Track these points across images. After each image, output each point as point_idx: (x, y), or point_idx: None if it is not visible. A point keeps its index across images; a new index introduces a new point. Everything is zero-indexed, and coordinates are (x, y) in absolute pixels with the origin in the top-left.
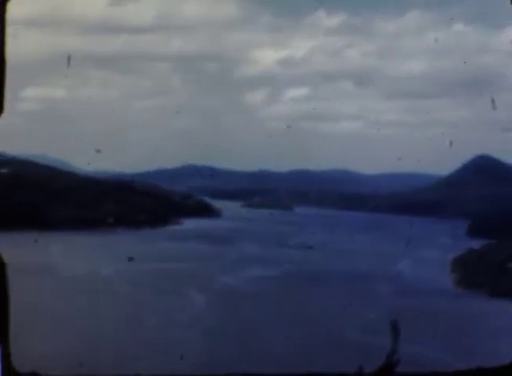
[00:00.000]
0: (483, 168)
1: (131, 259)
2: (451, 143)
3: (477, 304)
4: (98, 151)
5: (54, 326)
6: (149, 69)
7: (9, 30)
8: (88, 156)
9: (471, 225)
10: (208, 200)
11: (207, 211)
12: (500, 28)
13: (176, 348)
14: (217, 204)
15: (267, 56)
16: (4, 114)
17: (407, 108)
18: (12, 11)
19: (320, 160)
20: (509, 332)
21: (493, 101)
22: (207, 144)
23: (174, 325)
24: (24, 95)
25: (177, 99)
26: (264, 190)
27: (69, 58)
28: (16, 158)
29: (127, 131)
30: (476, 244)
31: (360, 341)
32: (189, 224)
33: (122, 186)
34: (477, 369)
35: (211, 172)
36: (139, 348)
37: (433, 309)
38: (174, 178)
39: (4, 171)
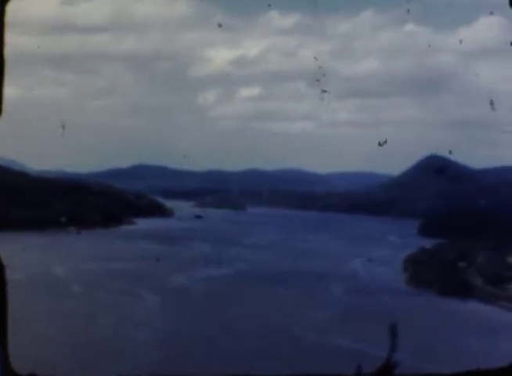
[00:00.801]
0: (433, 167)
1: (84, 259)
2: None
3: (427, 302)
4: (51, 151)
5: None
6: (101, 68)
7: None
8: (41, 156)
9: (423, 224)
10: (161, 199)
11: (159, 211)
12: (451, 29)
13: (125, 348)
14: (169, 203)
15: (220, 56)
16: None
17: (359, 107)
18: None
19: (273, 159)
20: (450, 329)
21: (492, 102)
22: (159, 144)
23: (125, 324)
24: None
25: (129, 99)
26: (216, 190)
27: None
28: None
29: (79, 131)
30: (427, 242)
31: (312, 340)
32: (143, 223)
33: (75, 186)
34: (476, 370)
35: (164, 172)
36: (89, 346)
37: (383, 307)
38: (127, 177)
39: None
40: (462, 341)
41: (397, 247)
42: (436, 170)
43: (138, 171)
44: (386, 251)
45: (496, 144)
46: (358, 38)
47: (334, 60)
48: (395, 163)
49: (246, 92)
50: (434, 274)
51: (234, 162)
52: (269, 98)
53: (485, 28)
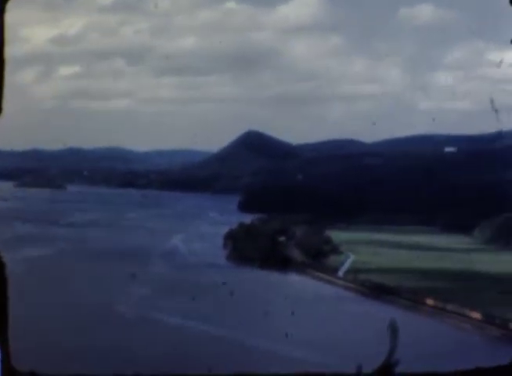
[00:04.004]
0: (252, 144)
1: None
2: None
3: (247, 276)
4: None
5: None
6: None
7: None
8: None
9: (242, 200)
10: None
11: None
12: (272, 6)
13: None
14: None
15: (39, 34)
16: None
17: (178, 85)
18: None
19: (92, 138)
20: (268, 299)
21: (492, 101)
22: None
23: None
24: None
25: None
26: (36, 169)
27: None
28: None
29: None
30: (247, 218)
31: (131, 316)
32: None
33: None
34: (476, 369)
35: None
36: None
37: (204, 282)
38: None
39: None
40: (276, 309)
41: (217, 223)
42: (254, 146)
43: None
44: (206, 227)
45: (316, 119)
46: (178, 15)
47: (154, 38)
48: (215, 139)
49: (65, 70)
50: (254, 249)
51: (53, 141)
52: (89, 76)
53: (303, 5)
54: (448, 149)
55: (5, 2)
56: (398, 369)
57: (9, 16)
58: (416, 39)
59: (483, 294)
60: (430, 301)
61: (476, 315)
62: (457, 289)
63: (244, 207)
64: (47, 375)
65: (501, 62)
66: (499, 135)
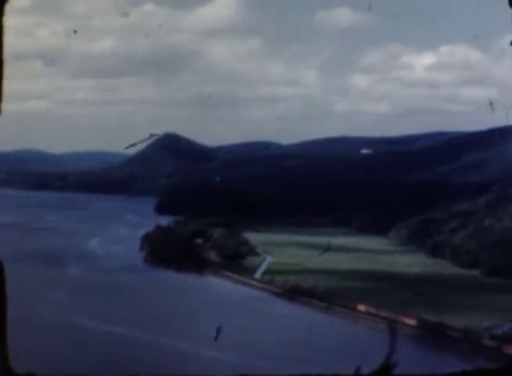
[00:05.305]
0: (170, 146)
1: None
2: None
3: (164, 278)
4: None
5: None
6: None
7: None
8: None
9: (159, 202)
10: None
11: None
12: (190, 9)
13: None
14: None
15: None
16: None
17: (95, 87)
18: None
19: (8, 140)
20: (184, 301)
21: (491, 103)
22: None
23: None
24: None
25: None
26: None
27: None
28: None
29: None
30: (164, 220)
31: (46, 319)
32: None
33: None
34: (476, 370)
35: None
36: None
37: (121, 285)
38: None
39: None
40: (191, 310)
41: (134, 226)
42: (172, 148)
43: None
44: (123, 229)
45: (234, 121)
46: (95, 18)
47: (71, 40)
48: (133, 142)
49: None
50: (171, 251)
51: None
52: (5, 78)
53: (222, 8)
54: (365, 151)
55: (4, 4)
56: (398, 370)
57: None
58: (334, 42)
59: (398, 295)
60: (344, 303)
61: (390, 316)
62: (373, 290)
63: (161, 209)
64: None
65: None
66: (414, 138)
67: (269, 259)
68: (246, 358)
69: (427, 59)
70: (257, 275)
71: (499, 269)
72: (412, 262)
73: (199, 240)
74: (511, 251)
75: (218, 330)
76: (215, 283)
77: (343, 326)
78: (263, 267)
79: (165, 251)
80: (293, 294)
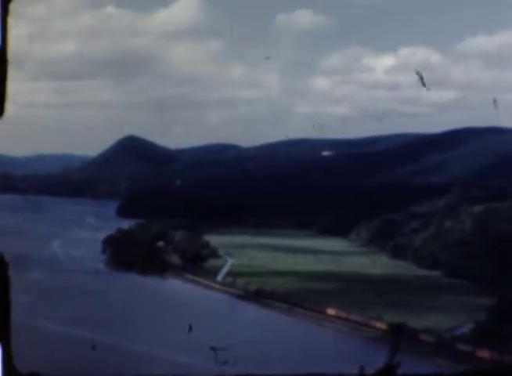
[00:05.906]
0: (131, 148)
1: None
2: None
3: (125, 282)
4: None
5: None
6: None
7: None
8: None
9: (121, 205)
10: None
11: None
12: (151, 11)
13: None
14: None
15: None
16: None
17: (56, 89)
18: None
19: None
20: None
21: (495, 101)
22: None
23: None
24: None
25: None
26: None
27: None
28: None
29: None
30: (125, 223)
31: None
32: None
33: None
34: (476, 370)
35: None
36: None
37: (83, 288)
38: None
39: None
40: (152, 313)
41: (95, 229)
42: (133, 150)
43: None
44: (85, 232)
45: (196, 124)
46: (56, 20)
47: (30, 42)
48: (94, 144)
49: None
50: (133, 254)
51: None
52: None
53: (182, 10)
54: (325, 152)
55: (9, 3)
56: (400, 370)
57: None
58: (295, 45)
59: (360, 296)
60: (305, 304)
61: (352, 316)
62: (334, 291)
63: (123, 212)
64: None
65: None
66: (374, 139)
67: (231, 261)
68: (208, 360)
69: (388, 61)
70: (219, 277)
71: (459, 270)
72: (373, 264)
73: (160, 243)
74: (471, 253)
75: (190, 328)
76: (177, 286)
77: (304, 327)
78: (225, 269)
79: (127, 253)
80: (255, 295)
